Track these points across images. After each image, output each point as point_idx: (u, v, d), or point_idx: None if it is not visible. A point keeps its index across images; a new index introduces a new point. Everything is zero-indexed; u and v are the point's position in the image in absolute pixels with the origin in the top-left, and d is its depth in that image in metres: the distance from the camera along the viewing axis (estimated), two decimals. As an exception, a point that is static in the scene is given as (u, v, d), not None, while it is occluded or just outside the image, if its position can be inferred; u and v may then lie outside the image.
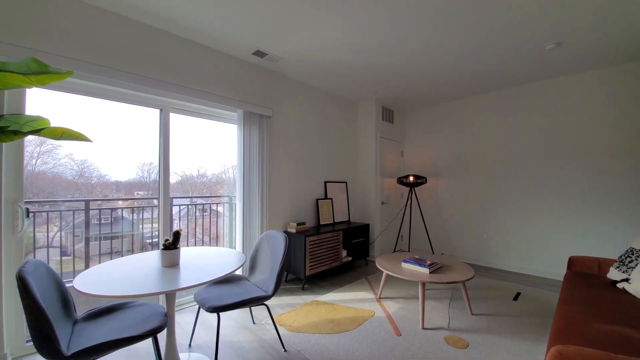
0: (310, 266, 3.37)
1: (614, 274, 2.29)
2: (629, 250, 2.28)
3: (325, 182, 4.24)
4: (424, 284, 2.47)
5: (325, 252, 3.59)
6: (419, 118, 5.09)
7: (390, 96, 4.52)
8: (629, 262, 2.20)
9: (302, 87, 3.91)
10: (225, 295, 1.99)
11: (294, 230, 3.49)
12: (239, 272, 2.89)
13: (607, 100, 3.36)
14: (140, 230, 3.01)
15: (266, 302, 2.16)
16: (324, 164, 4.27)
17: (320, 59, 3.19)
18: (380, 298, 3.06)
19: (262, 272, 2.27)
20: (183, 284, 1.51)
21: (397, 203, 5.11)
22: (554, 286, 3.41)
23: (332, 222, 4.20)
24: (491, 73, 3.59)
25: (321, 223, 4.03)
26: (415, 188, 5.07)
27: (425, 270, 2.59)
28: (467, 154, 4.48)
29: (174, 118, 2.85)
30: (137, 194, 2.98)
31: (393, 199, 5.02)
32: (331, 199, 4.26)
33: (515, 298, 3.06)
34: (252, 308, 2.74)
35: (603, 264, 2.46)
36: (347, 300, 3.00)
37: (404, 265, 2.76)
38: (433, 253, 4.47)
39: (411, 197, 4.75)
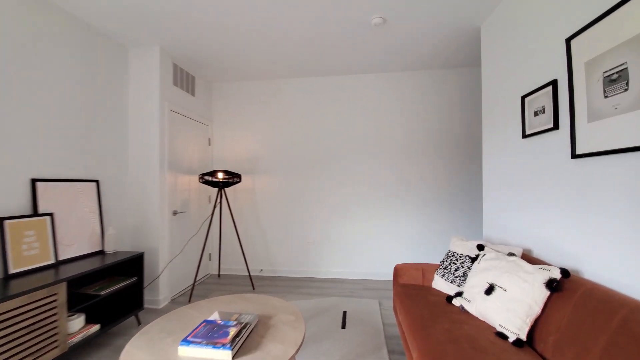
0: None
1: (441, 284, 2.00)
2: (449, 254, 2.07)
3: (34, 181, 2.05)
4: (219, 399, 1.18)
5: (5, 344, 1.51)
6: (232, 94, 3.83)
7: (187, 51, 2.94)
8: (455, 270, 1.95)
9: None
10: None
11: None
12: None
13: (438, 100, 3.52)
14: None
15: None
16: (35, 142, 2.06)
17: None
18: (138, 421, 1.47)
19: None
20: None
21: (201, 211, 3.59)
22: (374, 289, 3.20)
23: (52, 262, 2.07)
24: (316, 51, 2.90)
25: (13, 271, 1.83)
26: (226, 189, 3.78)
27: (227, 356, 1.31)
28: (288, 147, 3.71)
29: None
30: None
31: (195, 206, 3.46)
32: (51, 214, 2.11)
33: (344, 324, 2.45)
34: None
35: (426, 271, 2.20)
36: None
37: (184, 353, 1.34)
38: (249, 274, 3.34)
39: (221, 202, 3.39)
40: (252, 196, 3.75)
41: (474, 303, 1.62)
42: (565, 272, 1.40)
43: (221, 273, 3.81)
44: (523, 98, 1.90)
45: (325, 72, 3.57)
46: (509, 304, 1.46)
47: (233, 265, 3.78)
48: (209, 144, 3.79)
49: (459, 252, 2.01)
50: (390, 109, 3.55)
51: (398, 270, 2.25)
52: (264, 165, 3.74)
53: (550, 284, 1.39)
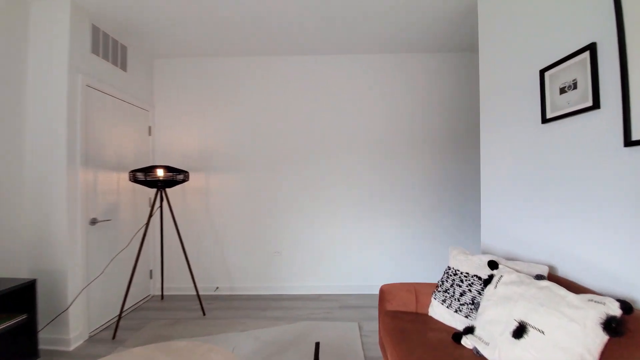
0: None
1: (441, 311, 1.55)
2: (450, 273, 1.63)
3: None
4: None
5: None
6: (181, 73, 3.13)
7: (114, 10, 2.24)
8: (460, 294, 1.50)
9: None
10: None
11: None
12: None
13: (428, 89, 3.08)
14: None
15: None
16: None
17: None
18: None
19: None
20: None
21: (138, 217, 2.86)
22: (353, 307, 2.70)
23: None
24: (284, 19, 2.34)
25: None
26: (171, 189, 3.07)
27: None
28: (251, 140, 3.10)
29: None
30: None
31: (127, 212, 2.74)
32: None
33: (317, 361, 1.91)
34: None
35: (421, 293, 1.74)
36: None
37: None
38: (198, 295, 2.69)
39: (162, 206, 2.71)
40: (205, 198, 3.09)
41: (496, 348, 1.17)
42: (626, 307, 0.99)
43: (166, 294, 3.10)
44: (542, 72, 1.50)
45: (298, 50, 3.01)
46: (550, 353, 1.02)
47: (181, 284, 3.09)
48: (149, 134, 3.06)
49: (464, 270, 1.57)
50: (374, 97, 3.08)
51: (385, 293, 1.76)
52: (220, 162, 3.09)
53: (609, 325, 0.97)
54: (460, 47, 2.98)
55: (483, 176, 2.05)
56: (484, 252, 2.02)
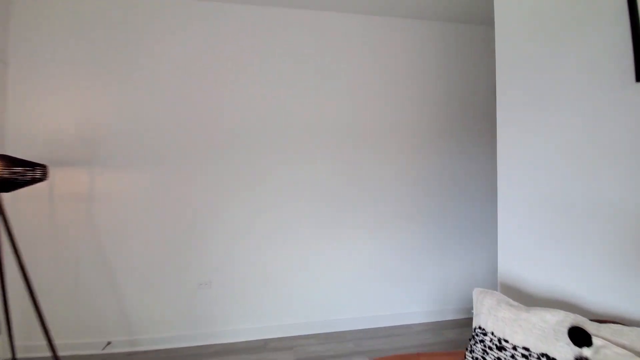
0: None
1: None
2: (486, 340, 0.92)
3: None
4: None
5: None
6: (57, 16, 2.02)
7: None
8: (520, 394, 0.79)
9: None
10: None
11: None
12: None
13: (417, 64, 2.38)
14: None
15: None
16: None
17: None
18: None
19: None
20: None
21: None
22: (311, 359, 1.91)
23: None
24: None
25: None
26: (17, 194, 1.94)
27: None
28: (164, 120, 2.12)
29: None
30: None
31: None
32: None
33: None
34: None
35: (432, 375, 1.00)
36: None
37: None
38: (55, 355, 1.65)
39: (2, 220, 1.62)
40: (88, 207, 2.01)
41: None
42: None
43: (25, 355, 1.96)
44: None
45: None
46: None
47: (37, 341, 1.97)
48: (-11, 104, 1.92)
49: (518, 342, 0.86)
50: (337, 70, 2.34)
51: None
52: (114, 151, 2.05)
53: None
54: (462, 17, 2.41)
55: (500, 177, 1.42)
56: (503, 284, 1.40)
